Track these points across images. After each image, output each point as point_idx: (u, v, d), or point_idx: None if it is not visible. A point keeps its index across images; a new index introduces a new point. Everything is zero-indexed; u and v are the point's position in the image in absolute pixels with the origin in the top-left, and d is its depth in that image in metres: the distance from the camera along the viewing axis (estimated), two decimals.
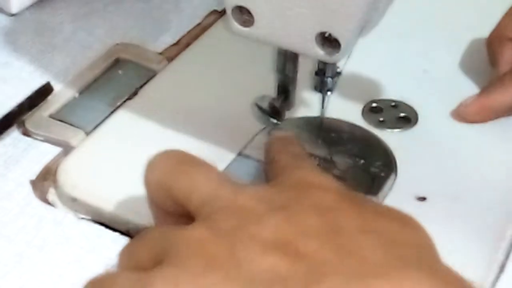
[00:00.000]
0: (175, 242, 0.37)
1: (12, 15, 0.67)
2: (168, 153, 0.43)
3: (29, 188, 0.53)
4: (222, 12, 0.68)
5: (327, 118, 0.54)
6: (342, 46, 0.46)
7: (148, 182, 0.43)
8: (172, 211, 0.42)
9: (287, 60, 0.51)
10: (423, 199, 0.52)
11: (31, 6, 0.68)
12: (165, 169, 0.42)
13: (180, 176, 0.41)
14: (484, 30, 0.66)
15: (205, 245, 0.36)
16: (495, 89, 0.58)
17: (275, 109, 0.53)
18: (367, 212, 0.38)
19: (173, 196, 0.41)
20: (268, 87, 0.55)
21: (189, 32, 0.67)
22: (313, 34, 0.46)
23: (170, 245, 0.37)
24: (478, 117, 0.57)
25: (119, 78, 0.62)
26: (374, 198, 0.51)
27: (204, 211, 0.39)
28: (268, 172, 0.47)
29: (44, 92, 0.59)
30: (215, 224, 0.37)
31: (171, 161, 0.42)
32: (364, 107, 0.59)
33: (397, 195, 0.52)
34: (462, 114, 0.58)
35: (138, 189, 0.52)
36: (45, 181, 0.54)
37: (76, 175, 0.53)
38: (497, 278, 0.48)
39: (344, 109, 0.58)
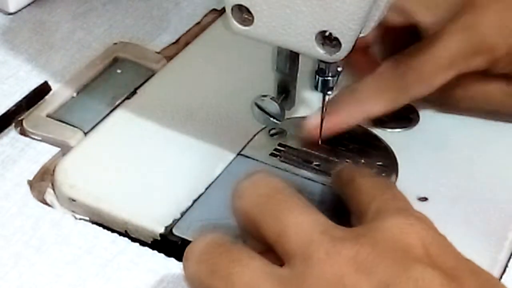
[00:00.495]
0: None
1: (10, 14, 0.67)
2: (258, 180, 0.42)
3: (26, 188, 0.53)
4: (222, 11, 0.67)
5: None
6: (343, 45, 0.46)
7: (235, 211, 0.42)
8: (261, 242, 0.41)
9: (287, 60, 0.51)
10: (424, 199, 0.52)
11: (29, 5, 0.68)
12: (253, 201, 0.41)
13: (268, 214, 0.40)
14: None
15: None
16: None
17: (275, 109, 0.52)
18: None
19: (260, 234, 0.40)
20: (268, 87, 0.55)
21: (188, 31, 0.66)
22: (313, 33, 0.46)
23: None
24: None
25: (118, 78, 0.62)
26: None
27: (292, 263, 0.38)
28: (346, 196, 0.45)
29: (42, 91, 0.59)
30: None
31: (260, 191, 0.41)
32: None
33: None
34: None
35: (136, 189, 0.52)
36: (43, 181, 0.54)
37: (74, 175, 0.53)
38: (500, 278, 0.48)
39: None
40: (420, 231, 0.39)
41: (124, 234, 0.50)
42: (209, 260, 0.40)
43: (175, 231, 0.49)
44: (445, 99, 0.55)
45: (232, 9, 0.47)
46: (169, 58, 0.63)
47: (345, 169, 0.48)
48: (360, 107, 0.53)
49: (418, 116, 0.58)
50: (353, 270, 0.37)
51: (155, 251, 0.49)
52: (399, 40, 0.55)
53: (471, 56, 0.52)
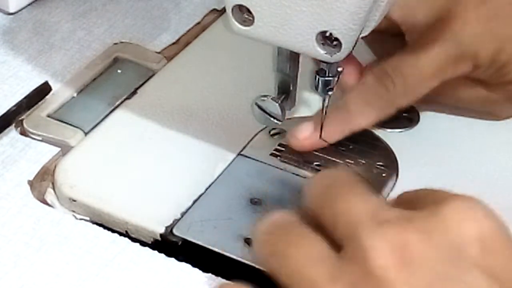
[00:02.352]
0: None
1: (10, 14, 0.67)
2: (328, 173, 0.43)
3: (27, 188, 0.53)
4: (222, 11, 0.67)
5: None
6: (343, 45, 0.46)
7: (307, 201, 0.42)
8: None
9: (288, 60, 0.51)
10: None
11: (29, 5, 0.67)
12: (317, 191, 0.41)
13: (326, 202, 0.40)
14: None
15: None
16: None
17: (275, 109, 0.52)
18: None
19: (320, 224, 0.40)
20: (268, 87, 0.55)
21: (188, 31, 0.66)
22: (313, 33, 0.46)
23: None
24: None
25: (118, 78, 0.62)
26: None
27: (344, 249, 0.38)
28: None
29: (42, 91, 0.59)
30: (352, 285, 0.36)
31: (324, 182, 0.42)
32: None
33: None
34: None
35: (136, 189, 0.52)
36: (43, 181, 0.54)
37: (74, 175, 0.53)
38: None
39: None
40: (479, 218, 0.37)
41: (124, 234, 0.50)
42: (269, 240, 0.40)
43: (175, 231, 0.49)
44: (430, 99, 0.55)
45: (232, 9, 0.47)
46: (170, 58, 0.63)
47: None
48: (348, 122, 0.54)
49: (418, 116, 0.58)
50: (394, 264, 0.36)
51: (155, 251, 0.49)
52: (386, 43, 0.55)
53: (454, 65, 0.52)
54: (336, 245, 0.39)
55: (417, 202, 0.39)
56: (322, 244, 0.39)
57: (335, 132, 0.54)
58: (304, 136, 0.54)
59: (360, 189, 0.40)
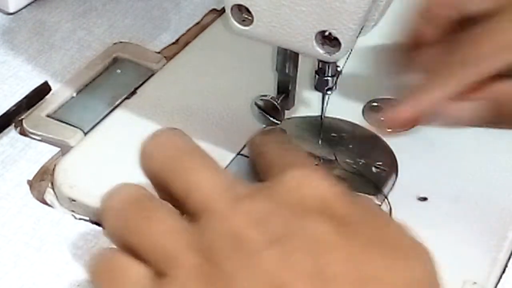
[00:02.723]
0: (174, 265, 0.38)
1: (10, 13, 0.67)
2: (164, 141, 0.43)
3: (26, 188, 0.53)
4: (221, 11, 0.67)
5: (328, 117, 0.54)
6: (342, 45, 0.46)
7: (145, 172, 0.43)
8: (172, 203, 0.42)
9: (287, 59, 0.51)
10: (424, 199, 0.52)
11: (29, 4, 0.68)
12: (161, 163, 0.42)
13: (175, 175, 0.41)
14: None
15: (202, 274, 0.37)
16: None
17: (275, 109, 0.52)
18: (360, 247, 0.38)
19: (170, 195, 0.41)
20: (268, 87, 0.55)
21: (188, 31, 0.66)
22: (313, 33, 0.46)
23: (168, 267, 0.38)
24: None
25: (118, 77, 0.62)
26: (374, 199, 0.51)
27: (198, 220, 0.39)
28: (257, 166, 0.47)
29: (42, 91, 0.59)
30: (212, 255, 0.37)
31: (167, 152, 0.42)
32: (365, 106, 0.58)
33: (398, 195, 0.51)
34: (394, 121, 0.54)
35: None
36: (42, 181, 0.54)
37: (74, 175, 0.53)
38: (499, 278, 0.48)
39: (344, 108, 0.57)
40: (315, 181, 0.39)
41: None
42: (123, 216, 0.40)
43: None
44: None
45: (231, 9, 0.47)
46: (169, 58, 0.63)
47: (257, 139, 0.49)
48: (428, 95, 0.53)
49: None
50: (250, 224, 0.38)
51: None
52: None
53: None
54: (186, 214, 0.40)
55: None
56: (176, 217, 0.40)
57: (417, 106, 0.53)
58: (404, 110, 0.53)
59: (210, 160, 0.42)
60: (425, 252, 0.39)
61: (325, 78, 0.51)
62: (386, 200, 0.51)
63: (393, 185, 0.53)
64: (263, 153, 0.48)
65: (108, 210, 0.41)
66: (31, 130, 0.57)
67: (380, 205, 0.51)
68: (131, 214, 0.40)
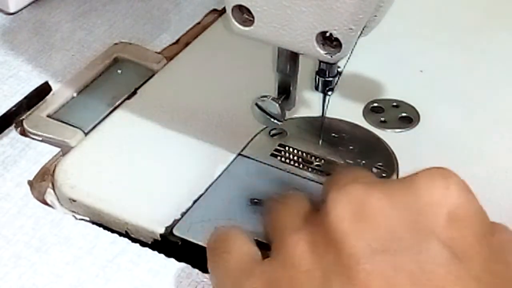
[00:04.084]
0: None
1: (10, 14, 0.67)
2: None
3: (27, 188, 0.53)
4: (222, 11, 0.67)
5: (328, 118, 0.54)
6: (343, 45, 0.46)
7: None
8: None
9: (288, 60, 0.51)
10: None
11: (29, 5, 0.68)
12: None
13: None
14: (484, 29, 0.66)
15: None
16: None
17: (275, 109, 0.52)
18: None
19: None
20: (268, 87, 0.55)
21: (188, 31, 0.66)
22: (313, 34, 0.46)
23: None
24: None
25: (118, 78, 0.62)
26: None
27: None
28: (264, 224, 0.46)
29: (42, 91, 0.59)
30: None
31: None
32: (365, 107, 0.58)
33: None
34: None
35: (136, 189, 0.52)
36: (43, 181, 0.54)
37: (74, 175, 0.53)
38: None
39: (345, 109, 0.57)
40: (452, 189, 0.37)
41: (124, 234, 0.50)
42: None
43: (175, 232, 0.49)
44: None
45: (232, 9, 0.47)
46: (170, 58, 0.63)
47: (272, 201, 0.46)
48: None
49: (418, 116, 0.58)
50: (354, 217, 0.36)
51: (156, 252, 0.49)
52: None
53: None
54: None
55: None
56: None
57: None
58: None
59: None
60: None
61: (326, 78, 0.51)
62: None
63: None
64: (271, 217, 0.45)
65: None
66: (31, 131, 0.57)
67: None
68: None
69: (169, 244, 0.49)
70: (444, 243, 0.35)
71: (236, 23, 0.48)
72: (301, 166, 0.54)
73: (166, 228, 0.50)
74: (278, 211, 0.43)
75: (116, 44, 0.65)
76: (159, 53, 0.64)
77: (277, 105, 0.52)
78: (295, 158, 0.54)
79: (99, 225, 0.51)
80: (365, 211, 0.36)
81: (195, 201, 0.51)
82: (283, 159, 0.54)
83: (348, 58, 0.48)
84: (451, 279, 0.34)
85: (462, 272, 0.34)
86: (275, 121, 0.52)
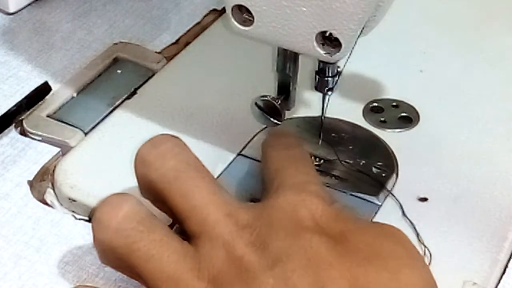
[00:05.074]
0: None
1: (10, 14, 0.67)
2: (166, 151, 0.44)
3: (26, 188, 0.53)
4: (222, 11, 0.67)
5: (328, 118, 0.54)
6: (343, 45, 0.46)
7: (140, 177, 0.44)
8: (168, 215, 0.43)
9: (287, 60, 0.51)
10: (424, 199, 0.52)
11: (29, 5, 0.68)
12: (162, 174, 0.43)
13: (177, 192, 0.42)
14: (484, 29, 0.66)
15: None
16: None
17: (275, 109, 0.52)
18: (358, 263, 0.39)
19: (168, 208, 0.42)
20: (268, 87, 0.55)
21: (188, 31, 0.66)
22: (313, 34, 0.46)
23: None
24: None
25: (118, 78, 0.62)
26: (375, 199, 0.51)
27: (199, 243, 0.40)
28: (262, 170, 0.48)
29: (42, 91, 0.59)
30: (218, 283, 0.39)
31: (168, 165, 0.43)
32: (365, 107, 0.58)
33: (398, 196, 0.51)
34: None
35: (136, 189, 0.52)
36: (43, 181, 0.54)
37: (74, 175, 0.53)
38: (500, 279, 0.48)
39: (345, 109, 0.57)
40: (310, 205, 0.41)
41: None
42: (128, 235, 0.41)
43: (175, 232, 0.49)
44: None
45: (232, 9, 0.47)
46: (169, 58, 0.63)
47: (264, 141, 0.50)
48: None
49: (418, 116, 0.58)
50: (252, 251, 0.39)
51: None
52: None
53: None
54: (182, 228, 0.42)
55: (266, 189, 0.45)
56: (178, 240, 0.41)
57: None
58: None
59: (211, 179, 0.43)
60: (420, 259, 0.40)
61: (326, 78, 0.51)
62: (390, 198, 0.51)
63: (393, 185, 0.53)
64: (268, 159, 0.48)
65: (108, 220, 0.41)
66: (31, 130, 0.57)
67: (380, 205, 0.51)
68: (137, 236, 0.40)
69: None
70: (321, 234, 0.40)
71: (236, 23, 0.48)
72: None
73: None
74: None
75: (116, 44, 0.65)
76: (159, 53, 0.64)
77: (277, 105, 0.52)
78: None
79: None
80: (259, 240, 0.40)
81: None
82: None
83: (348, 58, 0.48)
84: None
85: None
86: (275, 121, 0.52)
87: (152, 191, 0.43)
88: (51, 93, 0.59)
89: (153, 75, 0.62)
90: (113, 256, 0.41)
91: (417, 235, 0.49)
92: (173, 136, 0.44)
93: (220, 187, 0.43)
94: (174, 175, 0.42)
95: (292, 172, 0.45)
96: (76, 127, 0.57)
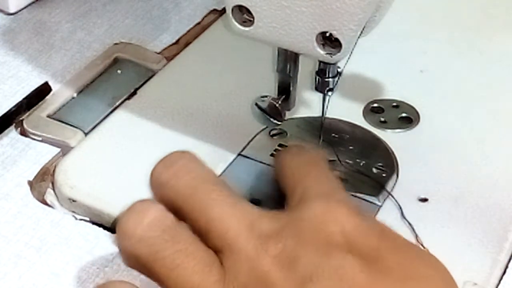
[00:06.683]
0: None
1: (10, 14, 0.67)
2: (180, 169, 0.42)
3: (27, 188, 0.53)
4: (222, 11, 0.67)
5: (328, 118, 0.54)
6: (343, 46, 0.46)
7: (157, 196, 0.42)
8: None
9: (288, 60, 0.51)
10: (424, 200, 0.52)
11: (29, 5, 0.68)
12: (178, 192, 0.41)
13: (194, 207, 0.40)
14: (484, 29, 0.66)
15: None
16: None
17: (275, 110, 0.52)
18: (390, 283, 0.37)
19: (188, 223, 0.41)
20: (268, 87, 0.55)
21: (188, 31, 0.66)
22: (313, 34, 0.46)
23: None
24: None
25: (118, 78, 0.62)
26: (375, 199, 0.51)
27: (222, 256, 0.39)
28: (280, 179, 0.46)
29: (42, 92, 0.59)
30: None
31: (183, 182, 0.42)
32: (365, 107, 0.58)
33: (398, 196, 0.51)
34: None
35: (136, 190, 0.52)
36: (43, 181, 0.54)
37: (74, 175, 0.53)
38: (500, 279, 0.48)
39: (345, 109, 0.57)
40: (339, 217, 0.39)
41: None
42: (153, 244, 0.40)
43: None
44: None
45: (232, 9, 0.47)
46: (170, 59, 0.63)
47: (278, 153, 0.49)
48: None
49: (418, 116, 0.58)
50: (278, 267, 0.38)
51: None
52: None
53: None
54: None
55: (289, 198, 0.43)
56: (206, 251, 0.40)
57: None
58: None
59: (229, 191, 0.41)
60: (450, 277, 0.39)
61: (326, 79, 0.51)
62: (390, 199, 0.51)
63: (393, 186, 0.53)
64: (285, 164, 0.46)
65: (131, 232, 0.40)
66: (31, 131, 0.57)
67: (380, 206, 0.51)
68: (162, 245, 0.39)
69: None
70: (353, 254, 0.38)
71: (236, 23, 0.48)
72: None
73: None
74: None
75: (116, 44, 0.65)
76: (159, 53, 0.64)
77: (277, 105, 0.52)
78: None
79: (99, 225, 0.51)
80: (288, 257, 0.38)
81: None
82: None
83: (348, 58, 0.48)
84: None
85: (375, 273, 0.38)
86: (275, 121, 0.52)
87: (172, 210, 0.42)
88: (51, 93, 0.59)
89: (153, 75, 0.62)
90: (137, 263, 0.41)
91: (416, 236, 0.49)
92: (184, 152, 0.43)
93: (239, 198, 0.41)
94: (190, 192, 0.41)
95: (314, 178, 0.44)
96: (76, 127, 0.57)
